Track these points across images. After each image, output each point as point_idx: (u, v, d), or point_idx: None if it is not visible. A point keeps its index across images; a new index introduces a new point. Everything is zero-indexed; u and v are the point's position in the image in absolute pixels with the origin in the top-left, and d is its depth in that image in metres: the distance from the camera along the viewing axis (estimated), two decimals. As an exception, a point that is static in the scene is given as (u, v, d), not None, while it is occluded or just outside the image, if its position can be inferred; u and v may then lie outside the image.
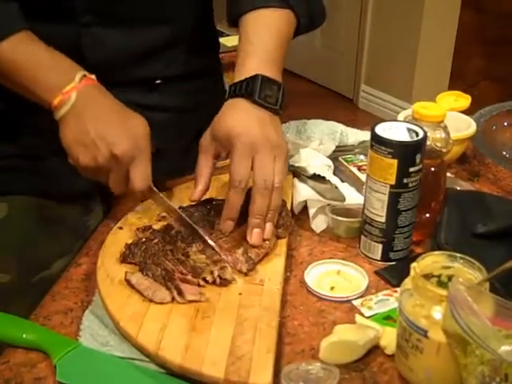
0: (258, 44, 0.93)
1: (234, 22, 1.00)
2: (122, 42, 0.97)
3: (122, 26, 0.97)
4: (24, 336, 0.75)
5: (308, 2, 1.01)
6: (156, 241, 0.86)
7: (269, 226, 0.87)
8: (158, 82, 1.02)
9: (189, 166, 0.96)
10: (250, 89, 0.89)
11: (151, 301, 0.78)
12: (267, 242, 0.87)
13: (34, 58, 0.87)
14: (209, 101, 0.92)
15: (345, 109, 3.53)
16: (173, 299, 0.78)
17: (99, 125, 0.85)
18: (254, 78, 0.90)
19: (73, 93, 0.85)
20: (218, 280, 0.81)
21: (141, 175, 0.85)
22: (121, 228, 0.92)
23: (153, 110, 1.00)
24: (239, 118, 0.88)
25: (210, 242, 0.86)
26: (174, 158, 1.06)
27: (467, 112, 1.10)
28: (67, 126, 0.85)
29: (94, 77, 0.88)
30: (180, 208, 0.93)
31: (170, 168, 1.03)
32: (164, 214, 0.94)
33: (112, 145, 0.83)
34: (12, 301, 0.89)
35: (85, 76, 0.87)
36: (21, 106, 0.93)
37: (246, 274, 0.83)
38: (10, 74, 0.87)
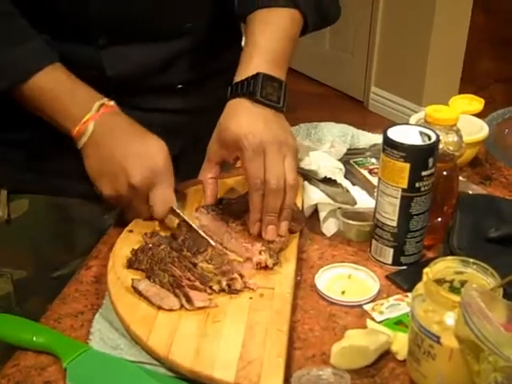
0: (262, 44, 0.92)
1: (243, 20, 0.99)
2: (141, 56, 0.96)
3: (140, 43, 0.96)
4: (34, 339, 0.75)
5: (318, 1, 1.00)
6: (163, 247, 0.85)
7: (284, 224, 0.87)
8: (179, 86, 1.01)
9: None
10: (252, 88, 0.88)
11: (160, 308, 0.77)
12: (282, 238, 0.87)
13: (56, 89, 0.88)
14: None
15: (355, 111, 3.51)
16: (181, 306, 0.78)
17: (116, 154, 0.86)
18: (255, 76, 0.89)
19: (90, 123, 0.86)
20: (226, 289, 0.81)
21: (160, 200, 0.87)
22: (131, 231, 0.91)
23: (174, 113, 0.99)
24: (243, 119, 0.87)
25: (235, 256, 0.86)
26: (196, 159, 1.06)
27: (478, 115, 1.10)
28: (88, 156, 0.88)
29: (112, 103, 0.89)
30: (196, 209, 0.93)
31: (193, 170, 1.03)
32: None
33: (129, 175, 0.85)
34: (28, 297, 0.89)
35: (103, 105, 0.88)
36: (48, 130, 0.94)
37: (272, 268, 0.84)
38: (37, 104, 0.88)
